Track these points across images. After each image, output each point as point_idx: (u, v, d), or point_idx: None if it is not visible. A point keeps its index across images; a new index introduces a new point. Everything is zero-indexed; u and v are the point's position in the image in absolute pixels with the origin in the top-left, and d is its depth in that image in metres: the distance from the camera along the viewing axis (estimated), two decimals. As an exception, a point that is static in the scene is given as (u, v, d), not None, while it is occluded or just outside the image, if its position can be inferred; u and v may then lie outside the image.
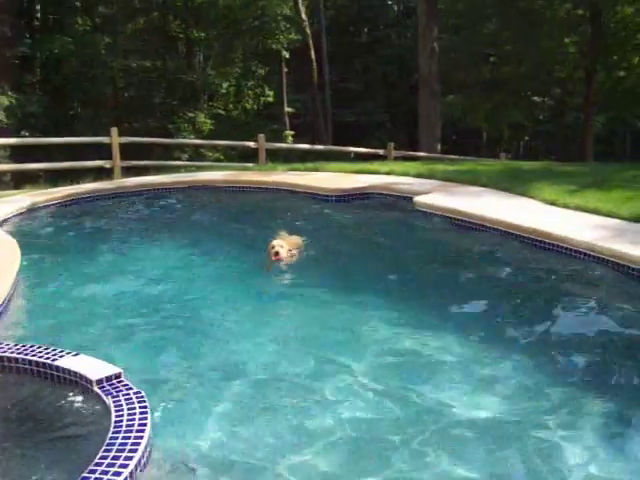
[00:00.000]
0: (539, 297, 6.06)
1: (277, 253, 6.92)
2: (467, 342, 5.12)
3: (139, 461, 3.42)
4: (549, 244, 7.07)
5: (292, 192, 10.67)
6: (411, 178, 10.97)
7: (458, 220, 8.32)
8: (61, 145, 18.90)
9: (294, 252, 7.26)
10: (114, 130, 13.53)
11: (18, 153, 20.02)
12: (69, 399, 4.19)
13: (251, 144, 16.40)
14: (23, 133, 21.68)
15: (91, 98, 27.48)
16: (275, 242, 7.06)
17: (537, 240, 7.22)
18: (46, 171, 17.97)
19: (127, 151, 14.72)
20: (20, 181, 17.86)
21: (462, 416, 4.09)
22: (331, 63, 32.64)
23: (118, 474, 3.25)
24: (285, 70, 32.05)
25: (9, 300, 5.82)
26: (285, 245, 7.09)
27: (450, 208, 8.52)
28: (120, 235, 8.79)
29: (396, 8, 41.56)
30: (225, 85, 29.89)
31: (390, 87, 36.37)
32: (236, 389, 4.54)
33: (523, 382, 4.50)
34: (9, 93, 21.54)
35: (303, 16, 30.25)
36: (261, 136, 15.91)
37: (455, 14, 28.68)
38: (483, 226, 7.96)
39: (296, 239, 7.68)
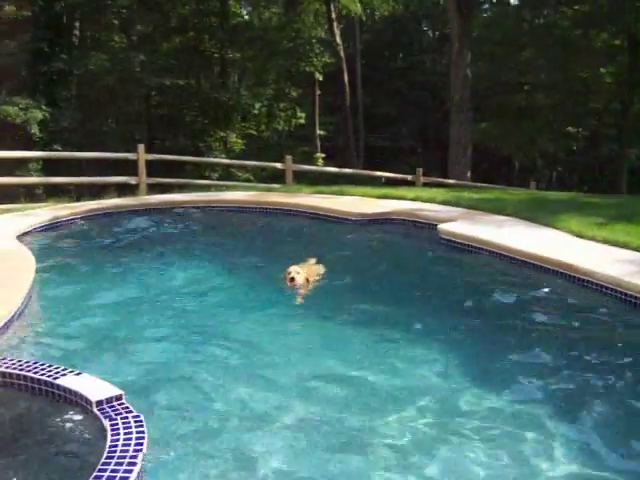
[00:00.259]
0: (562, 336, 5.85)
1: (292, 279, 6.81)
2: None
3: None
4: (574, 277, 6.85)
5: (314, 215, 10.57)
6: (437, 205, 10.80)
7: (482, 249, 8.14)
8: (93, 160, 19.11)
9: (312, 280, 7.09)
10: (141, 147, 13.57)
11: (50, 167, 20.29)
12: (67, 419, 4.09)
13: (278, 165, 16.37)
14: (55, 147, 21.92)
15: (124, 114, 27.81)
16: (292, 268, 6.95)
17: (561, 272, 7.01)
18: (76, 185, 18.10)
19: (158, 169, 14.78)
20: (52, 194, 18.02)
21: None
22: (364, 87, 32.71)
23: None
24: (318, 92, 32.13)
25: (20, 314, 5.78)
26: (302, 272, 6.95)
27: (474, 237, 8.35)
28: (137, 252, 8.74)
29: (431, 34, 41.65)
30: (257, 105, 30.02)
31: (423, 113, 36.27)
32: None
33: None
34: (43, 107, 21.82)
35: (338, 39, 30.38)
36: (288, 158, 15.86)
37: (490, 41, 28.55)
38: (507, 257, 7.77)
39: (316, 268, 7.56)
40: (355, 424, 4.30)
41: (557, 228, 8.68)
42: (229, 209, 11.29)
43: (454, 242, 8.57)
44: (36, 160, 20.42)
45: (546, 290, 6.83)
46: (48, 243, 8.77)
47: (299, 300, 6.88)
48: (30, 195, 17.61)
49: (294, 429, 4.25)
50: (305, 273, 7.03)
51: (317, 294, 7.01)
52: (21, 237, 8.57)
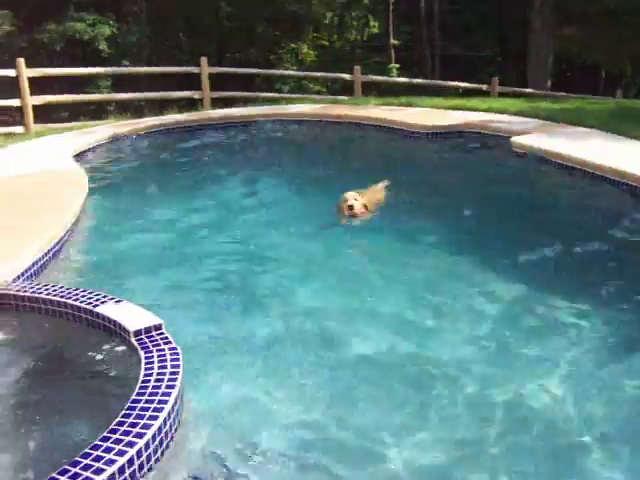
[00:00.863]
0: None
1: (351, 207, 6.14)
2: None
3: (161, 426, 3.08)
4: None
5: (380, 127, 10.06)
6: (511, 116, 10.09)
7: (559, 164, 7.51)
8: (163, 76, 18.82)
9: (372, 207, 6.43)
10: (204, 60, 13.18)
11: (120, 84, 20.13)
12: (106, 348, 3.91)
13: (347, 76, 15.73)
14: (124, 63, 21.71)
15: (194, 28, 27.26)
16: (349, 194, 6.25)
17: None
18: (146, 101, 17.90)
19: (229, 83, 14.38)
20: (125, 111, 17.92)
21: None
22: (441, -8, 31.08)
23: (140, 435, 2.94)
24: (392, 0, 30.73)
25: (66, 239, 5.61)
26: (360, 199, 6.25)
27: (550, 151, 7.70)
28: (196, 169, 8.48)
29: None
30: (329, 15, 28.93)
31: (504, 19, 34.33)
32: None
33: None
34: (111, 22, 21.53)
35: (413, -58, 28.73)
36: (357, 68, 15.19)
37: None
38: (587, 172, 7.13)
39: (376, 192, 6.83)
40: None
41: (647, 141, 7.92)
42: (293, 122, 10.86)
43: (530, 156, 7.95)
44: (105, 77, 20.23)
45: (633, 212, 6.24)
46: (105, 161, 8.61)
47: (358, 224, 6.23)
48: (102, 112, 17.57)
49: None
50: (364, 199, 6.34)
51: (379, 219, 6.42)
52: (78, 156, 8.43)
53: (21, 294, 4.45)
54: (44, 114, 12.69)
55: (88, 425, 3.32)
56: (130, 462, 2.83)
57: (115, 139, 9.48)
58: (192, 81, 14.81)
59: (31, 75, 11.35)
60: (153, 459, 2.99)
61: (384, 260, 5.51)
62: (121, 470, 2.79)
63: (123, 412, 3.11)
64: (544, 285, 4.84)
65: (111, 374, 3.70)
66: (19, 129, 11.36)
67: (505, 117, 10.01)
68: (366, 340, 4.20)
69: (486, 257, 5.37)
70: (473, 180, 7.70)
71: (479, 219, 6.31)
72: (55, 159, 7.87)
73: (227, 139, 10.05)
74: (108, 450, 2.85)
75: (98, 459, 2.79)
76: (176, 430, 3.23)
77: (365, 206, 6.27)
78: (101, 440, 2.91)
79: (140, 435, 2.95)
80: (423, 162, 8.59)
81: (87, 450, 2.84)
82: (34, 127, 11.33)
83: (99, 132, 9.65)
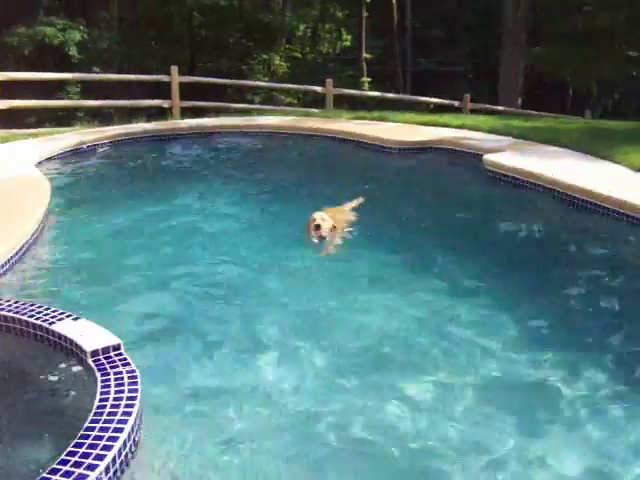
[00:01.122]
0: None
1: (317, 227, 5.84)
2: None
3: (114, 457, 2.89)
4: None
5: (351, 141, 9.97)
6: (483, 134, 10.07)
7: (530, 184, 7.46)
8: (135, 84, 18.55)
9: (341, 227, 6.16)
10: (174, 68, 12.98)
11: (89, 90, 19.78)
12: (61, 368, 3.71)
13: (318, 89, 15.63)
14: (94, 69, 21.39)
15: (166, 36, 27.01)
16: (317, 214, 5.95)
17: (624, 214, 6.28)
18: (115, 109, 17.60)
19: (199, 93, 14.19)
20: (93, 118, 17.60)
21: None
22: (414, 8, 31.20)
23: (91, 467, 2.75)
24: (365, 14, 30.79)
25: (25, 250, 5.39)
26: (328, 219, 5.94)
27: (522, 170, 7.65)
28: (163, 180, 8.29)
29: (486, -49, 39.42)
30: (302, 27, 28.90)
31: (475, 36, 34.57)
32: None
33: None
34: (81, 28, 21.21)
35: (386, -43, 28.85)
36: (329, 81, 15.10)
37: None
38: (559, 192, 7.08)
39: (345, 213, 6.58)
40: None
41: (617, 162, 7.91)
42: (262, 134, 10.73)
43: (501, 175, 7.89)
44: (74, 83, 19.90)
45: (605, 235, 6.20)
46: (69, 170, 8.38)
47: (325, 251, 5.92)
48: (72, 118, 17.21)
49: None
50: (332, 219, 6.02)
51: (348, 243, 6.10)
52: (42, 163, 8.20)
53: (-28, 310, 4.23)
54: (11, 119, 12.36)
55: (37, 452, 3.14)
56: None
57: (80, 147, 9.25)
58: (162, 89, 14.61)
59: (-1, 79, 11.05)
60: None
61: (346, 290, 5.13)
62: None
63: (75, 441, 2.93)
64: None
65: (66, 396, 3.51)
66: (-19, 135, 11.04)
67: (478, 134, 9.98)
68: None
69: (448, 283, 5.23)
70: (445, 199, 7.59)
71: (447, 243, 6.16)
72: (18, 166, 7.62)
73: (194, 150, 9.86)
74: (57, 485, 2.66)
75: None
76: (131, 459, 3.05)
77: (334, 227, 5.99)
78: (49, 473, 2.72)
79: (92, 467, 2.77)
80: (395, 178, 8.49)
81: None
82: (-1, 132, 11.02)
83: (65, 139, 9.41)
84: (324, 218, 5.92)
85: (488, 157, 8.22)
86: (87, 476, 2.70)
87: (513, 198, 7.46)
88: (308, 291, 5.05)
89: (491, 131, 10.16)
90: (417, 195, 7.69)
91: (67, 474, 2.72)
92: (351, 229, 6.30)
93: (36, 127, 13.01)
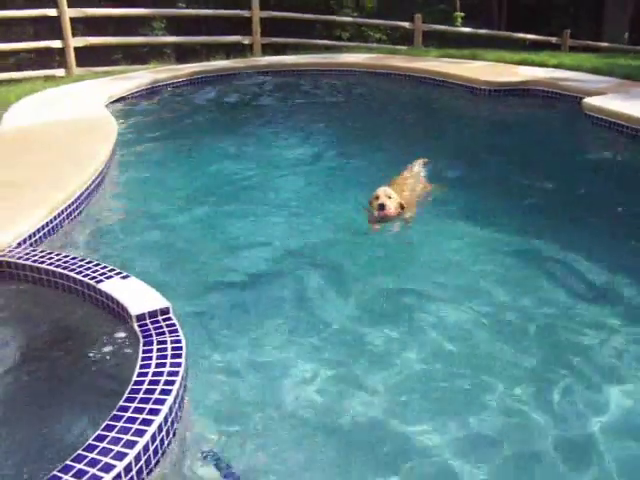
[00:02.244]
0: None
1: (382, 206, 4.85)
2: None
3: (155, 432, 2.60)
4: None
5: (437, 82, 9.28)
6: (584, 74, 9.17)
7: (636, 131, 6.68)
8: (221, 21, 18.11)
9: (411, 204, 5.16)
10: (255, 2, 12.45)
11: (177, 26, 19.49)
12: (105, 330, 3.44)
13: (406, 25, 14.81)
14: (180, 5, 21.05)
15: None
16: (381, 191, 4.95)
17: None
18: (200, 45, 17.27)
19: (285, 28, 13.67)
20: (184, 54, 17.36)
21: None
22: None
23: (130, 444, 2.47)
24: (460, -57, 29.20)
25: (86, 197, 5.13)
26: (395, 196, 4.95)
27: (629, 116, 6.85)
28: (237, 122, 7.89)
29: None
30: (394, -42, 27.62)
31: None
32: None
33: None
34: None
35: None
36: (418, 16, 14.28)
37: None
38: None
39: (418, 184, 5.51)
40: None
41: None
42: (343, 73, 10.16)
43: (602, 120, 7.12)
44: (160, 19, 19.64)
45: None
46: (141, 110, 8.08)
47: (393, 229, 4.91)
48: (157, 55, 17.01)
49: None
50: (401, 196, 5.03)
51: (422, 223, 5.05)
52: (113, 103, 7.93)
53: (21, 262, 4.01)
54: (97, 58, 12.17)
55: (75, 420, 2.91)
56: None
57: (154, 85, 8.94)
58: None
59: (73, 15, 10.83)
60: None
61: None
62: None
63: (107, 423, 2.64)
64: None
65: (107, 363, 3.23)
66: (60, 72, 10.93)
67: (578, 74, 9.08)
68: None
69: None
70: (540, 151, 6.81)
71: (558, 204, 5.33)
72: (88, 106, 7.40)
73: (271, 89, 9.41)
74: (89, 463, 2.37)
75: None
76: (172, 438, 2.75)
77: (401, 205, 4.98)
78: (74, 460, 2.43)
79: (121, 455, 2.46)
80: (481, 125, 7.82)
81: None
82: (76, 70, 10.87)
83: (138, 78, 9.13)
84: (390, 195, 4.94)
85: (589, 100, 7.44)
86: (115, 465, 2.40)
87: (619, 148, 6.70)
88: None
89: (593, 71, 9.25)
90: (506, 148, 6.96)
91: (99, 455, 2.45)
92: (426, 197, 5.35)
93: (119, 64, 12.83)
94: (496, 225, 4.89)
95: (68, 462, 2.41)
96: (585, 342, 3.45)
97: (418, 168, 5.81)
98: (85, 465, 2.41)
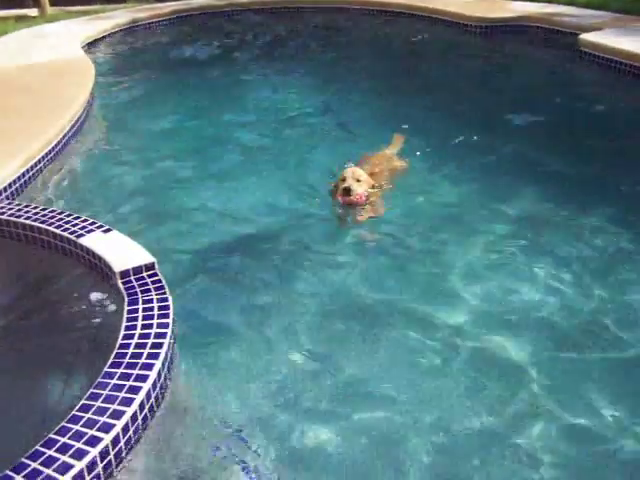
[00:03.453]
0: None
1: (347, 191, 4.11)
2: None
3: (143, 400, 2.45)
4: None
5: (421, 18, 8.89)
6: (577, 8, 8.83)
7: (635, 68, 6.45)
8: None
9: (382, 186, 4.44)
10: None
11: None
12: (87, 288, 3.26)
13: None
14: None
15: None
16: (349, 171, 4.23)
17: None
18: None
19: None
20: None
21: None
22: None
23: (107, 427, 2.30)
24: None
25: (64, 144, 4.90)
26: (365, 177, 4.26)
27: (627, 51, 6.60)
28: (221, 61, 7.58)
29: None
30: None
31: None
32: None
33: None
34: None
35: None
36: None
37: None
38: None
39: (388, 159, 4.76)
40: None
41: None
42: (325, 10, 9.73)
43: (599, 57, 6.87)
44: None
45: None
46: (118, 52, 7.73)
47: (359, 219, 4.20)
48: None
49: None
50: (369, 177, 4.32)
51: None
52: (90, 45, 7.59)
53: (-5, 217, 3.80)
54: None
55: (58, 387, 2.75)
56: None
57: (133, 25, 8.57)
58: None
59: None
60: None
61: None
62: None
63: (91, 391, 2.47)
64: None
65: (91, 323, 3.06)
66: (33, 12, 10.44)
67: (571, 9, 8.76)
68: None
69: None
70: (536, 93, 6.51)
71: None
72: (63, 48, 7.06)
73: (252, 28, 9.02)
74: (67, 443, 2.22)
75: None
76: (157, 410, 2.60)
77: (373, 186, 4.31)
78: (58, 432, 2.28)
79: (108, 427, 2.31)
80: (473, 66, 7.49)
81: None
82: (50, 10, 10.39)
83: (116, 17, 8.73)
84: (359, 177, 4.22)
85: (585, 37, 7.18)
86: (101, 439, 2.25)
87: (618, 88, 6.45)
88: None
89: (586, 5, 8.91)
90: (504, 81, 6.72)
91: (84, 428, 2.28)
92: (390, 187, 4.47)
93: (95, 4, 12.29)
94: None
95: (51, 435, 2.26)
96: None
97: (397, 144, 5.06)
98: (69, 439, 2.25)
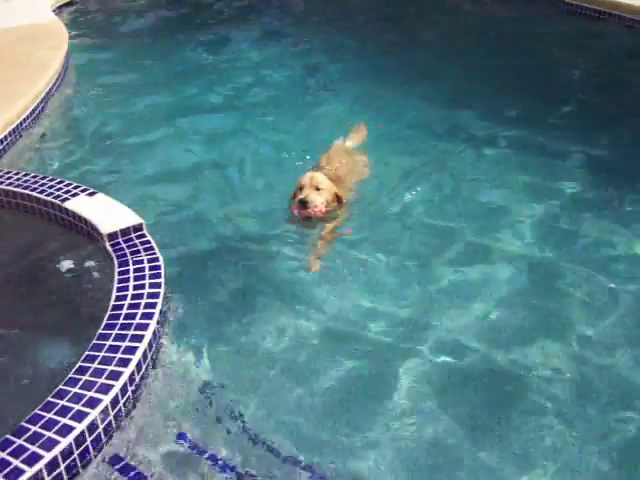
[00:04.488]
0: None
1: (304, 204, 3.54)
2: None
3: (135, 368, 2.42)
4: None
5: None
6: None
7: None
8: None
9: (349, 192, 3.85)
10: None
11: None
12: (75, 253, 3.21)
13: None
14: None
15: None
16: (306, 178, 3.63)
17: None
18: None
19: None
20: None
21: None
22: None
23: (106, 389, 2.28)
24: None
25: (41, 109, 4.80)
26: (327, 185, 3.65)
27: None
28: (196, 22, 7.43)
29: None
30: None
31: None
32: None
33: None
34: None
35: None
36: None
37: None
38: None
39: (356, 162, 4.12)
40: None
41: None
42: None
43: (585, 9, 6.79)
44: None
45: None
46: (92, 14, 7.54)
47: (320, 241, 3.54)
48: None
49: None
50: (331, 187, 3.67)
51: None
52: (61, 8, 7.42)
53: (-25, 183, 3.72)
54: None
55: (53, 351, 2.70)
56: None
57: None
58: None
59: None
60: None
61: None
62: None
63: (87, 353, 2.45)
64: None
65: (81, 287, 3.01)
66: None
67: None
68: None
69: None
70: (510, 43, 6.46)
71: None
72: (33, 13, 6.88)
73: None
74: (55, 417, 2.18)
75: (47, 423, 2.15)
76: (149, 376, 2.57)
77: (338, 198, 3.68)
78: (56, 395, 2.25)
79: (106, 388, 2.28)
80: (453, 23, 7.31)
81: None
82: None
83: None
84: (318, 184, 3.61)
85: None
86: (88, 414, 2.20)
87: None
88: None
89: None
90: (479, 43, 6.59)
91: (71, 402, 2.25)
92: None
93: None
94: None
95: (49, 399, 2.23)
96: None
97: (358, 136, 4.45)
98: (67, 401, 2.23)
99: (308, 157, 4.27)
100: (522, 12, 7.31)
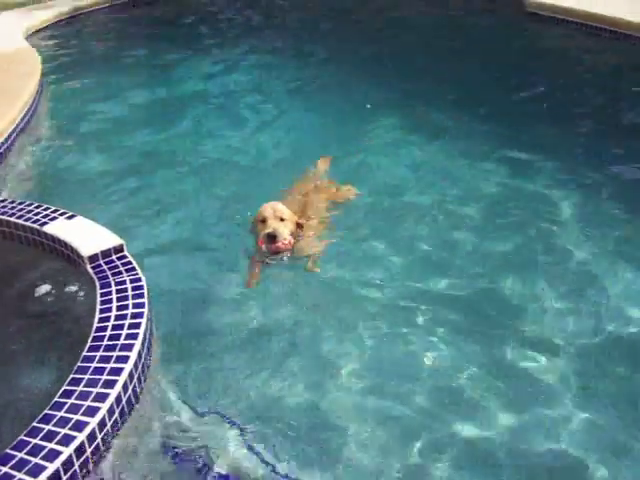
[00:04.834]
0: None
1: (272, 238, 3.31)
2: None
3: (121, 389, 2.38)
4: None
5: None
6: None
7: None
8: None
9: (317, 222, 3.68)
10: None
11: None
12: (54, 276, 3.18)
13: None
14: None
15: None
16: (268, 209, 3.40)
17: None
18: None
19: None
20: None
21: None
22: None
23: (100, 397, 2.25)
24: None
25: (16, 136, 4.75)
26: (288, 214, 3.43)
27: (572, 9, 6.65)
28: (167, 45, 7.43)
29: None
30: None
31: None
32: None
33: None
34: None
35: None
36: None
37: None
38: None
39: (325, 190, 3.96)
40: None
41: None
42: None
43: (547, 18, 6.90)
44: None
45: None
46: (64, 40, 7.51)
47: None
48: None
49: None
50: (292, 216, 3.47)
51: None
52: (33, 35, 7.38)
53: (-46, 209, 3.67)
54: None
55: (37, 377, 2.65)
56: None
57: (75, 13, 8.34)
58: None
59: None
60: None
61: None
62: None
63: (72, 376, 2.40)
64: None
65: (64, 311, 2.97)
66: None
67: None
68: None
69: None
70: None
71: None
72: (5, 40, 6.82)
73: (205, 12, 8.84)
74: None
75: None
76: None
77: (299, 225, 3.50)
78: (42, 420, 2.20)
79: (93, 411, 2.24)
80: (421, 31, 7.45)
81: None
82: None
83: (57, 6, 8.45)
84: (283, 216, 3.39)
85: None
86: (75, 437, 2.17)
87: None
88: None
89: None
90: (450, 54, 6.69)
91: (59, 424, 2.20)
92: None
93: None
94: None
95: (35, 424, 2.18)
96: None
97: (322, 167, 4.27)
98: (53, 425, 2.18)
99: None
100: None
